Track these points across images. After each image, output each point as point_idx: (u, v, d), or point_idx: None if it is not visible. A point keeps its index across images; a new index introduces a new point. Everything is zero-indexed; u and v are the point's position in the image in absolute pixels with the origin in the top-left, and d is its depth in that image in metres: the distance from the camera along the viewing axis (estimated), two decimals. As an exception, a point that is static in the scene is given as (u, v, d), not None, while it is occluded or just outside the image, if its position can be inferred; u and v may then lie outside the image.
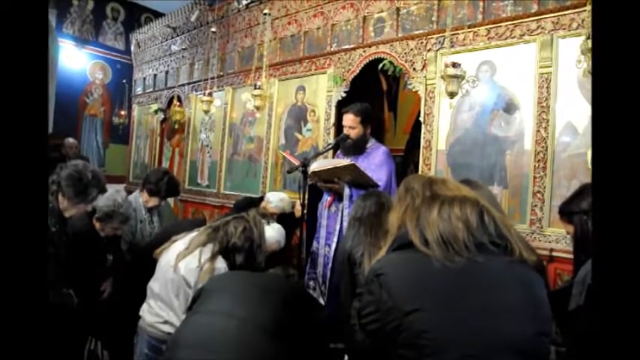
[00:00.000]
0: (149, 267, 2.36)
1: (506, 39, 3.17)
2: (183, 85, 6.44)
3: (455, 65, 2.85)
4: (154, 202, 3.50)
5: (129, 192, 3.72)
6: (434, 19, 3.57)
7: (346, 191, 3.13)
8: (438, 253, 1.13)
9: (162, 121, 6.94)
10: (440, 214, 1.20)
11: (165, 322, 2.14)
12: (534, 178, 2.97)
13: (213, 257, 2.16)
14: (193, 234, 2.32)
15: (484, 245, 1.16)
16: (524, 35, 3.08)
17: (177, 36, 6.60)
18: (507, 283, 1.15)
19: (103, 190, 2.48)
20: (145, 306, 2.28)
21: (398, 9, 3.81)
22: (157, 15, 7.97)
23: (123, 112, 8.25)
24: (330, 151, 3.74)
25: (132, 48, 7.91)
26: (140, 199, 3.51)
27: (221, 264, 2.16)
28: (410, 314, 1.08)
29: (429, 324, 1.07)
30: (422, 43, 3.62)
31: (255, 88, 4.04)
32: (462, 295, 1.11)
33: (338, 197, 3.26)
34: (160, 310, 2.18)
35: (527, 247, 1.30)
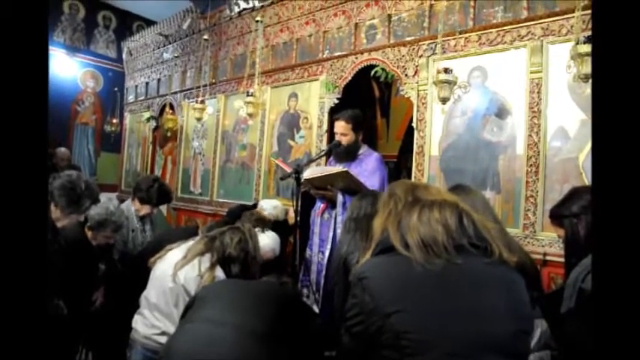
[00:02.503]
0: (142, 276, 2.34)
1: (497, 45, 3.19)
2: (175, 92, 6.42)
3: (447, 71, 2.87)
4: (145, 210, 3.48)
5: (121, 200, 3.70)
6: (425, 25, 3.59)
7: (339, 198, 3.13)
8: (419, 256, 1.16)
9: (155, 129, 6.91)
10: (420, 218, 1.24)
11: (163, 334, 2.11)
12: (527, 182, 2.98)
13: (212, 266, 2.15)
14: (189, 243, 2.31)
15: (463, 247, 1.19)
16: (514, 41, 3.11)
17: (170, 44, 6.60)
18: (486, 284, 1.18)
19: (95, 201, 2.47)
20: (138, 317, 2.25)
21: (389, 16, 3.83)
22: (149, 23, 7.96)
23: (115, 121, 8.20)
24: (323, 158, 3.74)
25: (124, 56, 7.89)
26: (132, 207, 3.49)
27: (220, 273, 2.16)
28: (391, 315, 1.11)
29: (409, 325, 1.10)
30: (413, 49, 3.64)
31: (248, 96, 4.04)
32: (442, 296, 1.14)
33: (331, 204, 3.26)
34: (157, 321, 2.15)
35: (510, 248, 1.33)
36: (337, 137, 3.37)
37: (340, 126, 3.35)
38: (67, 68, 8.03)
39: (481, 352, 1.09)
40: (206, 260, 2.19)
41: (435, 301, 1.13)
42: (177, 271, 2.14)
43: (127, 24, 8.68)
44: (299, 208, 2.92)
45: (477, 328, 1.10)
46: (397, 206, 1.33)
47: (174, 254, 2.25)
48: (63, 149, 6.74)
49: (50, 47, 7.60)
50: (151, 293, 2.23)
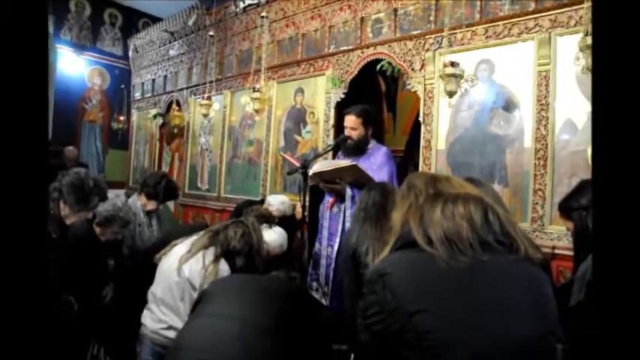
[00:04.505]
0: (150, 272, 2.35)
1: (504, 37, 3.17)
2: (181, 89, 6.44)
3: (453, 64, 2.85)
4: (152, 205, 3.49)
5: (128, 197, 3.71)
6: (432, 19, 3.57)
7: (348, 192, 3.13)
8: (443, 253, 1.12)
9: (162, 126, 6.94)
10: (443, 213, 1.18)
11: (170, 328, 2.13)
12: (535, 175, 2.97)
13: (216, 259, 2.17)
14: (193, 237, 2.32)
15: (489, 244, 1.14)
16: (522, 34, 3.09)
17: (175, 40, 6.61)
18: (513, 282, 1.13)
19: (104, 198, 2.49)
20: (146, 312, 2.27)
21: (395, 9, 3.81)
22: (155, 20, 7.96)
23: (122, 118, 8.24)
24: (330, 153, 3.74)
25: (130, 53, 7.92)
26: (138, 202, 3.50)
27: (224, 265, 2.17)
28: (415, 315, 1.07)
29: (433, 324, 1.06)
30: (420, 43, 3.62)
31: (254, 91, 4.04)
32: (467, 295, 1.09)
33: (340, 198, 3.26)
34: (164, 316, 2.17)
35: (532, 244, 1.28)
36: (347, 131, 3.37)
37: (350, 120, 3.35)
38: (74, 66, 8.06)
39: (506, 352, 1.05)
40: (210, 253, 2.20)
41: (460, 301, 1.08)
42: (181, 265, 2.15)
43: (133, 21, 8.68)
44: (307, 203, 2.92)
45: (503, 328, 1.06)
46: (418, 199, 1.27)
47: (179, 249, 2.27)
48: (71, 148, 6.78)
49: (57, 45, 7.64)
50: (157, 288, 2.25)
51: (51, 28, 7.57)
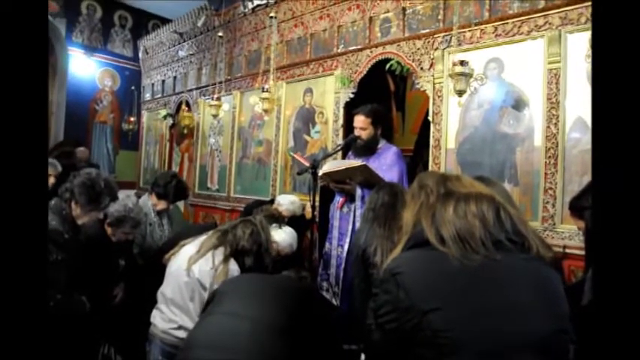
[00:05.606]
0: (161, 272, 2.37)
1: (513, 36, 3.15)
2: (191, 90, 6.47)
3: (462, 63, 2.84)
4: (162, 205, 3.52)
5: (139, 197, 3.74)
6: (440, 17, 3.56)
7: (358, 192, 3.13)
8: (455, 251, 1.12)
9: (172, 127, 6.99)
10: (456, 212, 1.19)
11: (180, 328, 2.14)
12: (545, 174, 2.95)
13: (226, 259, 2.17)
14: (202, 238, 2.33)
15: (501, 243, 1.15)
16: (531, 31, 3.07)
17: (185, 41, 6.65)
18: (525, 281, 1.14)
19: (114, 198, 2.52)
20: (155, 312, 2.28)
21: (404, 9, 3.80)
22: (164, 21, 8.00)
23: (132, 119, 8.29)
24: (340, 152, 3.74)
25: (140, 54, 7.98)
26: (149, 202, 3.53)
27: (234, 265, 2.18)
28: (428, 313, 1.07)
29: (448, 323, 1.06)
30: (429, 42, 3.61)
31: (263, 92, 4.05)
32: (481, 293, 1.10)
33: (350, 198, 3.26)
34: (174, 316, 2.18)
35: (543, 243, 1.28)
36: (356, 131, 3.37)
37: (360, 120, 3.35)
38: (85, 68, 8.14)
39: (519, 351, 1.05)
40: (219, 253, 2.20)
41: (474, 299, 1.09)
42: (191, 266, 2.16)
43: (143, 23, 8.74)
44: (316, 203, 2.93)
45: (516, 326, 1.07)
46: (429, 198, 1.27)
47: (188, 249, 2.28)
48: (82, 149, 6.83)
49: (69, 48, 7.75)
50: (167, 289, 2.26)
51: (63, 31, 7.67)
